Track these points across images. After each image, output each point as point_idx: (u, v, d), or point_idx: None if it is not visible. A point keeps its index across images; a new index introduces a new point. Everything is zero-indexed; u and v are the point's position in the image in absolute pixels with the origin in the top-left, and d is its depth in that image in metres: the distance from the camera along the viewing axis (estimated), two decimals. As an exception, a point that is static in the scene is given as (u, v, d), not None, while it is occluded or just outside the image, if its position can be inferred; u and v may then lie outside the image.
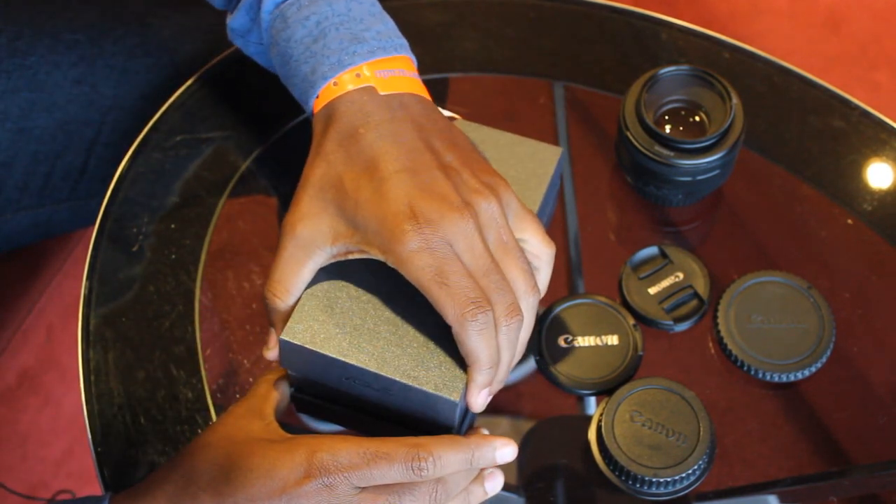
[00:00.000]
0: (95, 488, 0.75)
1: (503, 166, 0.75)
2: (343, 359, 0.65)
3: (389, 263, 0.64)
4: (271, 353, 0.69)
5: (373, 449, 0.62)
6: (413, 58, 0.73)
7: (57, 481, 1.40)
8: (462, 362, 0.65)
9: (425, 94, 0.72)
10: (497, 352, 0.64)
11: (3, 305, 1.26)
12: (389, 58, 0.71)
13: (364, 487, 0.62)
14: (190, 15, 1.00)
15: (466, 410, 0.68)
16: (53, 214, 1.01)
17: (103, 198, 0.86)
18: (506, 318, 0.64)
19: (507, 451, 0.65)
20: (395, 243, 0.63)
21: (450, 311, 0.62)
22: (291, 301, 0.67)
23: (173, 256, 0.84)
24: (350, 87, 0.69)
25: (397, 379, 0.65)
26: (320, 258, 0.67)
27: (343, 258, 0.67)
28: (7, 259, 1.17)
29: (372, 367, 0.65)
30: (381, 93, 0.69)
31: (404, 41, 0.73)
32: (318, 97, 0.70)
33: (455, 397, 0.64)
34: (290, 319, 0.66)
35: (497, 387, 0.67)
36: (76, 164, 0.98)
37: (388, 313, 0.67)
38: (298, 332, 0.66)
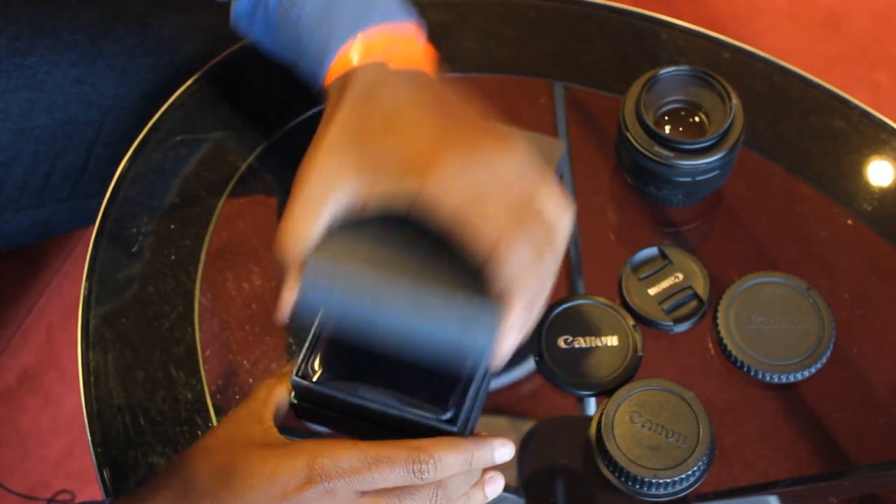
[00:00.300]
0: (95, 488, 0.75)
1: None
2: (371, 292, 0.62)
3: (416, 204, 0.62)
4: (283, 310, 0.64)
5: (373, 453, 0.61)
6: (422, 24, 0.73)
7: (57, 481, 1.40)
8: (491, 312, 0.62)
9: (433, 64, 0.72)
10: (529, 284, 0.62)
11: (3, 305, 1.26)
12: (400, 24, 0.71)
13: (365, 491, 0.62)
14: (190, 15, 1.00)
15: (476, 401, 0.68)
16: (53, 214, 1.01)
17: (103, 198, 0.86)
18: (541, 248, 0.62)
19: (504, 451, 0.65)
20: (426, 179, 0.61)
21: (483, 241, 0.61)
22: (306, 252, 0.63)
23: (173, 256, 0.84)
24: (362, 60, 0.69)
25: (424, 315, 0.61)
26: (334, 208, 0.63)
27: (360, 210, 0.64)
28: (7, 259, 1.17)
29: (399, 303, 0.62)
30: (392, 66, 0.69)
31: (412, 9, 0.73)
32: (329, 70, 0.70)
33: (485, 339, 0.62)
34: (314, 250, 0.63)
35: (528, 326, 0.64)
36: (76, 164, 0.98)
37: (411, 267, 0.63)
38: (323, 255, 0.63)
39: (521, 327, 0.63)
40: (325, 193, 0.63)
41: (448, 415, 0.66)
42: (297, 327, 0.70)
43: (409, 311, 0.62)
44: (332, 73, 0.69)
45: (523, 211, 0.62)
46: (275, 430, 0.66)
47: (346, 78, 0.68)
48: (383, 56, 0.69)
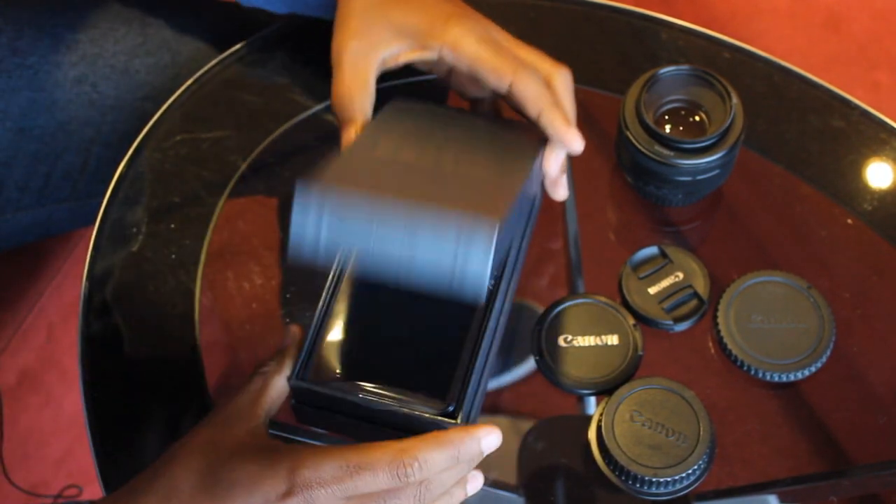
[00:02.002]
0: (95, 488, 0.75)
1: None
2: (373, 197, 0.61)
3: (441, 53, 0.75)
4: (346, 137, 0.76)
5: (356, 460, 0.61)
6: None
7: (57, 481, 1.40)
8: (485, 228, 0.61)
9: None
10: (545, 95, 0.75)
11: (3, 305, 1.26)
12: None
13: (349, 497, 0.61)
14: (190, 15, 1.00)
15: (477, 393, 0.67)
16: (53, 214, 1.01)
17: (103, 197, 0.86)
18: (554, 69, 0.77)
19: (491, 439, 0.64)
20: (449, 29, 0.75)
21: (507, 69, 0.74)
22: (357, 109, 0.75)
23: (173, 256, 0.84)
24: None
25: (417, 240, 0.61)
26: (375, 65, 0.76)
27: (394, 64, 0.77)
28: (7, 259, 1.17)
29: (391, 229, 0.61)
30: None
31: None
32: None
33: (496, 218, 0.60)
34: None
35: (579, 144, 0.76)
36: (76, 163, 0.98)
37: (414, 181, 0.66)
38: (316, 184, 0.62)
39: (570, 142, 0.76)
40: (367, 60, 0.76)
41: (449, 408, 0.65)
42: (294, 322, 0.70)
43: (403, 236, 0.61)
44: None
45: (525, 51, 0.77)
46: (263, 429, 0.65)
47: None
48: None
